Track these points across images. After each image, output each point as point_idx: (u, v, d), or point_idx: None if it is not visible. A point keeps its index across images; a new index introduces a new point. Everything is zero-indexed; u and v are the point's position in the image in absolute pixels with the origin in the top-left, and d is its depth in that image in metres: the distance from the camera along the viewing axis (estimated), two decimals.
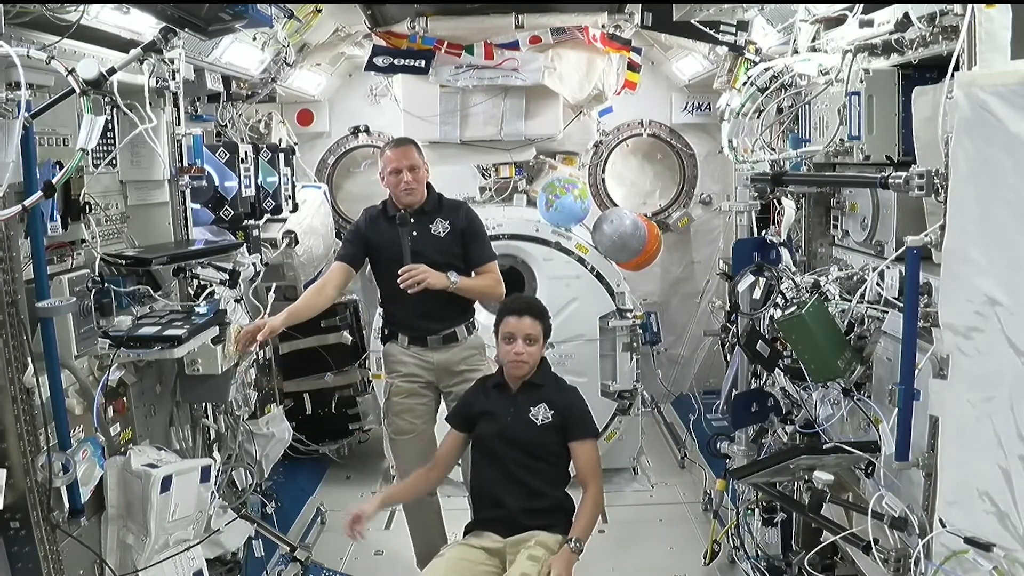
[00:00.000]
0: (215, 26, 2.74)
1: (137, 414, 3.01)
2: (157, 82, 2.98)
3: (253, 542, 3.60)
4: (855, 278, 2.78)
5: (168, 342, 2.70)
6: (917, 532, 2.22)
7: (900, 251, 2.27)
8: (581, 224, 5.05)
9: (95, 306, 2.64)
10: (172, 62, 3.03)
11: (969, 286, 1.82)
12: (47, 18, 2.33)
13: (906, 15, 2.36)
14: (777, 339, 3.01)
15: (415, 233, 3.40)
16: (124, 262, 2.90)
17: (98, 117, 2.26)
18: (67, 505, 2.43)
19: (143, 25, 2.83)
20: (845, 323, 2.68)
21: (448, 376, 3.48)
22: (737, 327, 3.47)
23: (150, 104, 2.85)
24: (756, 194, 3.49)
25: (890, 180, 2.32)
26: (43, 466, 2.33)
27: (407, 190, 3.39)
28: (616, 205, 6.15)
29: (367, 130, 6.17)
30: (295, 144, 5.40)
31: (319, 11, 4.17)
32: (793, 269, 3.19)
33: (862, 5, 2.67)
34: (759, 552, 3.55)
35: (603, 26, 4.71)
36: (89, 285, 2.60)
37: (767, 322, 3.14)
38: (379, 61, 4.70)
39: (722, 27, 3.66)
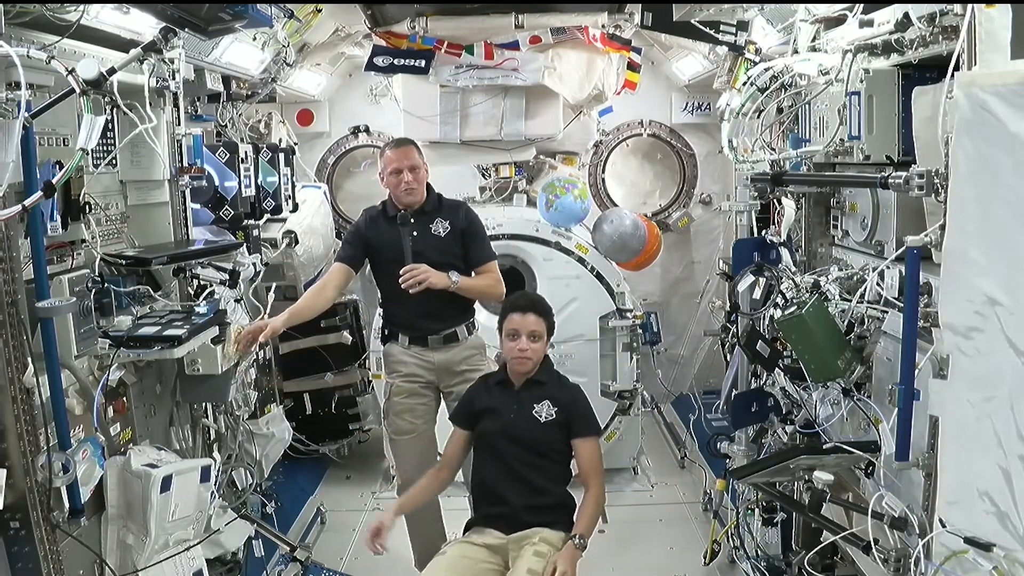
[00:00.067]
0: (215, 26, 2.74)
1: (137, 414, 3.01)
2: (157, 82, 2.98)
3: (253, 542, 3.60)
4: (855, 278, 2.78)
5: (168, 342, 2.70)
6: (917, 532, 2.22)
7: (900, 251, 2.27)
8: (581, 224, 5.05)
9: (95, 306, 2.64)
10: (172, 62, 3.03)
11: (969, 286, 1.82)
12: (47, 18, 2.33)
13: (906, 15, 2.36)
14: (777, 339, 3.01)
15: (415, 233, 3.40)
16: (124, 262, 2.90)
17: (98, 117, 2.25)
18: (67, 505, 2.43)
19: (143, 25, 2.83)
20: (845, 323, 2.68)
21: (449, 376, 3.48)
22: (737, 327, 3.47)
23: (150, 104, 2.85)
24: (756, 194, 3.49)
25: (890, 180, 2.32)
26: (43, 466, 2.33)
27: (408, 190, 3.40)
28: (616, 205, 6.15)
29: (367, 130, 6.17)
30: (295, 144, 5.40)
31: (319, 11, 4.17)
32: (793, 269, 3.19)
33: (862, 5, 2.66)
34: (759, 552, 3.55)
35: (603, 26, 4.71)
36: (89, 285, 2.60)
37: (767, 322, 3.14)
38: (379, 61, 4.70)
39: (722, 27, 3.66)
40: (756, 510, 3.58)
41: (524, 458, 2.97)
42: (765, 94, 3.27)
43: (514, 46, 4.71)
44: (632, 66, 5.22)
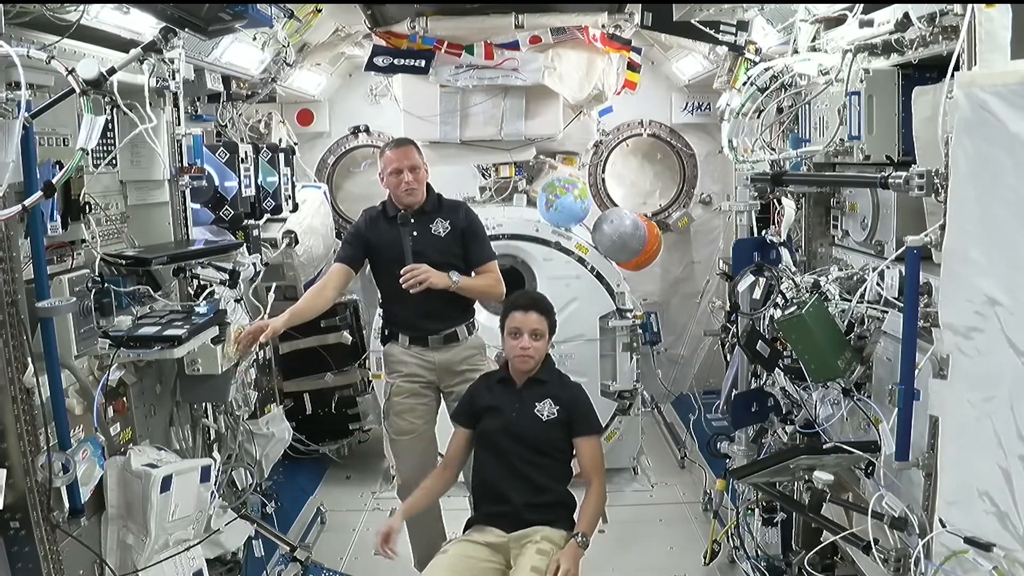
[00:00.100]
0: (215, 26, 2.74)
1: (137, 414, 3.01)
2: (157, 82, 2.98)
3: (253, 542, 3.60)
4: (855, 278, 2.78)
5: (168, 342, 2.70)
6: (917, 532, 2.22)
7: (900, 251, 2.27)
8: (581, 224, 5.05)
9: (95, 306, 2.64)
10: (172, 62, 3.03)
11: (969, 286, 1.82)
12: (47, 18, 2.33)
13: (906, 15, 2.36)
14: (777, 339, 3.01)
15: (415, 233, 3.40)
16: (124, 262, 2.90)
17: (98, 117, 2.25)
18: (67, 505, 2.43)
19: (143, 25, 2.83)
20: (845, 323, 2.68)
21: (449, 376, 3.48)
22: (737, 327, 3.47)
23: (150, 104, 2.85)
24: (756, 194, 3.49)
25: (890, 180, 2.32)
26: (43, 466, 2.33)
27: (408, 190, 3.39)
28: (616, 205, 6.15)
29: (367, 130, 6.17)
30: (295, 144, 5.40)
31: (319, 11, 4.17)
32: (793, 269, 3.19)
33: (862, 5, 2.66)
34: (759, 552, 3.55)
35: (603, 26, 4.71)
36: (89, 285, 2.60)
37: (767, 322, 3.14)
38: (379, 61, 4.70)
39: (722, 27, 3.66)
40: (756, 510, 3.58)
41: (526, 456, 2.97)
42: (765, 94, 3.27)
43: (514, 46, 4.71)
44: (632, 66, 5.22)
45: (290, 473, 4.97)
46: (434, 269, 3.29)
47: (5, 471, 2.20)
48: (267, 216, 4.32)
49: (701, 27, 3.62)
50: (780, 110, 3.42)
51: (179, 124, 3.21)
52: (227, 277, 3.23)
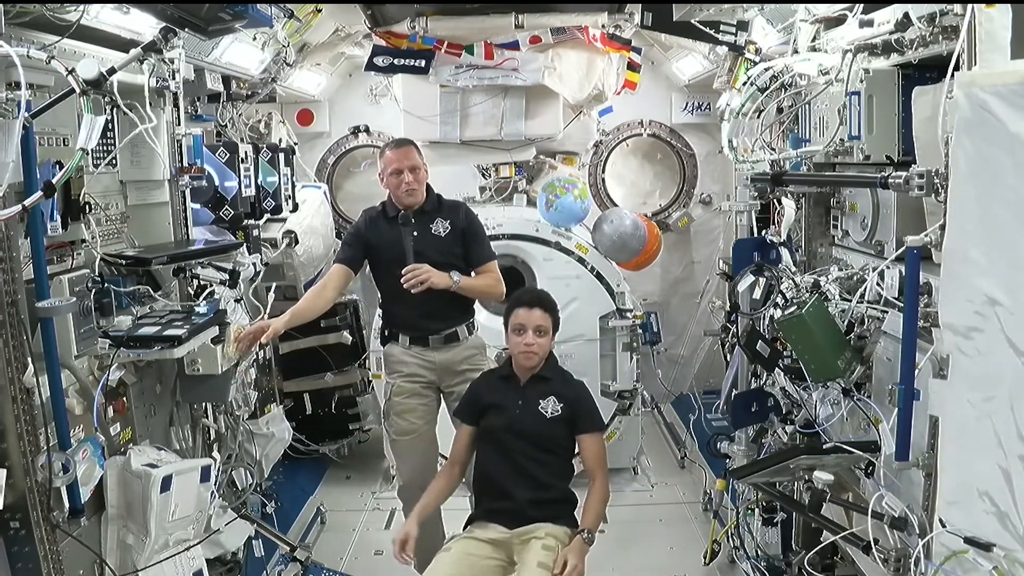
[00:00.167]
0: (215, 26, 2.74)
1: (137, 414, 3.01)
2: (157, 82, 2.98)
3: (253, 542, 3.60)
4: (855, 278, 2.78)
5: (168, 342, 2.70)
6: (917, 532, 2.22)
7: (900, 251, 2.27)
8: (581, 224, 5.05)
9: (95, 306, 2.64)
10: (172, 62, 3.03)
11: (969, 286, 1.82)
12: (47, 18, 2.33)
13: (906, 15, 2.36)
14: (777, 339, 3.01)
15: (416, 233, 3.40)
16: (124, 262, 2.90)
17: (98, 117, 2.26)
18: (67, 505, 2.43)
19: (143, 25, 2.83)
20: (845, 323, 2.68)
21: (450, 376, 3.48)
22: (737, 327, 3.47)
23: (150, 104, 2.85)
24: (756, 194, 3.49)
25: (890, 180, 2.32)
26: (43, 466, 2.33)
27: (408, 191, 3.39)
28: (616, 205, 6.15)
29: (367, 130, 6.17)
30: (295, 144, 5.40)
31: (319, 11, 4.17)
32: (793, 269, 3.19)
33: (862, 5, 2.66)
34: (759, 552, 3.55)
35: (603, 26, 4.71)
36: (89, 285, 2.60)
37: (767, 322, 3.13)
38: (379, 61, 4.70)
39: (722, 27, 3.66)
40: (756, 510, 3.58)
41: (529, 453, 2.99)
42: (765, 94, 3.27)
43: (514, 46, 4.71)
44: (632, 66, 5.22)
45: (290, 473, 4.96)
46: (435, 269, 3.30)
47: (5, 471, 2.20)
48: (267, 216, 4.32)
49: (701, 27, 3.63)
50: (780, 110, 3.42)
51: (179, 124, 3.21)
52: (227, 277, 3.23)
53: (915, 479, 2.34)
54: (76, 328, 2.49)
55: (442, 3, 4.55)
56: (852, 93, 2.73)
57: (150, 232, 3.24)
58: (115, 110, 2.80)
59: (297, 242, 4.57)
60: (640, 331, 4.86)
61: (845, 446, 2.57)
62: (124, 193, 3.17)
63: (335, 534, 4.53)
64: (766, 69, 3.22)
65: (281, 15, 3.83)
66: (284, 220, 4.59)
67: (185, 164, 3.27)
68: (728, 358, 4.00)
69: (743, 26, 3.67)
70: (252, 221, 4.07)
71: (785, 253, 3.24)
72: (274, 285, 4.50)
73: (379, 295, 3.60)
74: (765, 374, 3.31)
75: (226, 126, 4.56)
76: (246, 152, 3.99)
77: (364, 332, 5.23)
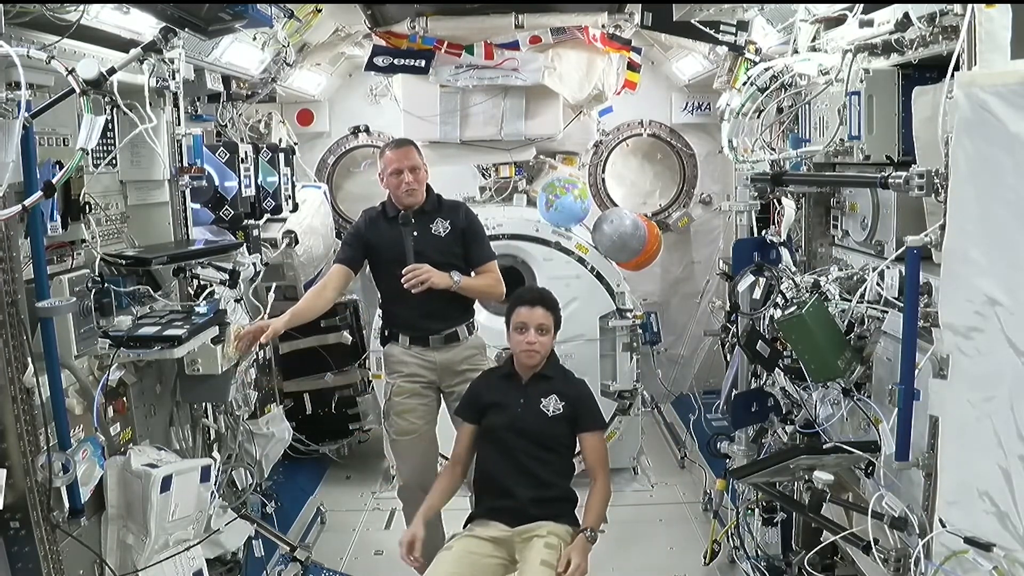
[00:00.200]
0: (215, 26, 2.74)
1: (137, 414, 3.01)
2: (157, 82, 2.98)
3: (253, 542, 3.60)
4: (855, 278, 2.78)
5: (168, 342, 2.70)
6: (917, 532, 2.22)
7: (900, 251, 2.27)
8: (581, 224, 5.05)
9: (95, 306, 2.64)
10: (172, 62, 3.03)
11: (969, 286, 1.82)
12: (47, 18, 2.33)
13: (906, 15, 2.36)
14: (777, 339, 3.01)
15: (416, 233, 3.40)
16: (124, 262, 2.90)
17: (98, 117, 2.25)
18: (67, 505, 2.43)
19: (143, 25, 2.83)
20: (845, 323, 2.67)
21: (450, 376, 3.48)
22: (737, 327, 3.47)
23: (150, 104, 2.85)
24: (756, 194, 3.49)
25: (890, 180, 2.32)
26: (43, 466, 2.33)
27: (408, 191, 3.39)
28: (616, 205, 6.15)
29: (367, 130, 6.17)
30: (295, 144, 5.40)
31: (319, 11, 4.17)
32: (793, 269, 3.19)
33: (862, 5, 2.66)
34: (759, 552, 3.55)
35: (603, 26, 4.71)
36: (89, 285, 2.60)
37: (767, 322, 3.13)
38: (379, 61, 4.70)
39: (722, 27, 3.66)
40: (756, 510, 3.58)
41: (531, 451, 2.99)
42: (765, 94, 3.27)
43: (514, 46, 4.71)
44: (632, 66, 5.22)
45: (290, 473, 4.96)
46: (435, 269, 3.30)
47: (5, 471, 2.20)
48: (267, 216, 4.32)
49: (701, 27, 3.63)
50: (780, 110, 3.42)
51: (179, 124, 3.21)
52: (227, 277, 3.23)
53: (915, 479, 2.34)
54: (76, 328, 2.49)
55: (442, 3, 4.55)
56: (852, 93, 2.73)
57: (150, 232, 3.24)
58: (115, 110, 2.80)
59: (297, 242, 4.57)
60: (640, 331, 4.86)
61: (845, 446, 2.56)
62: (124, 193, 3.17)
63: (335, 534, 4.53)
64: (766, 69, 3.22)
65: (281, 15, 3.83)
66: (284, 220, 4.59)
67: (185, 164, 3.27)
68: (728, 358, 4.00)
69: (743, 26, 3.67)
70: (252, 221, 4.07)
71: (785, 253, 3.24)
72: (274, 285, 4.50)
73: (379, 295, 3.60)
74: (765, 374, 3.31)
75: (226, 126, 4.56)
76: (246, 152, 3.99)
77: (364, 332, 5.23)
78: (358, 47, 5.19)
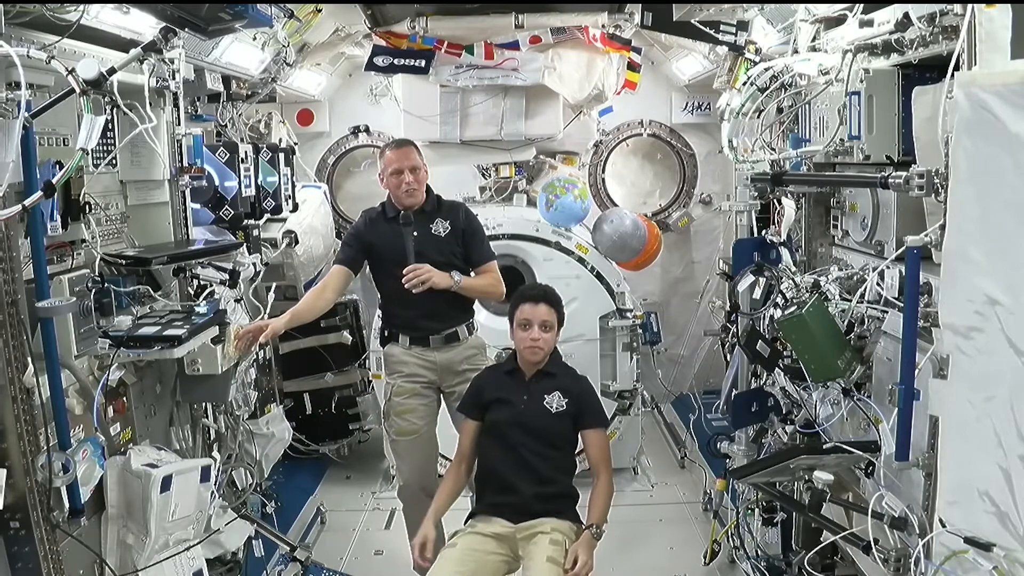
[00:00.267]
0: (215, 26, 2.74)
1: (137, 414, 3.01)
2: (157, 82, 2.98)
3: (253, 542, 3.60)
4: (855, 278, 2.78)
5: (168, 342, 2.70)
6: (917, 532, 2.22)
7: (900, 251, 2.27)
8: (581, 224, 5.05)
9: (95, 306, 2.64)
10: (172, 62, 3.03)
11: (969, 286, 1.82)
12: (47, 18, 2.33)
13: (906, 15, 2.36)
14: (777, 339, 3.01)
15: (416, 233, 3.40)
16: (124, 262, 2.90)
17: (98, 117, 2.25)
18: (67, 505, 2.43)
19: (143, 25, 2.83)
20: (845, 323, 2.68)
21: (450, 376, 3.48)
22: (737, 327, 3.47)
23: (150, 104, 2.85)
24: (756, 194, 3.49)
25: (890, 180, 2.32)
26: (43, 466, 2.33)
27: (408, 191, 3.39)
28: (616, 205, 6.15)
29: (367, 130, 6.17)
30: (295, 144, 5.39)
31: (319, 11, 4.17)
32: (793, 269, 3.19)
33: (862, 5, 2.67)
34: (759, 552, 3.55)
35: (603, 26, 4.70)
36: (89, 285, 2.60)
37: (767, 322, 3.14)
38: (379, 61, 4.70)
39: (722, 27, 3.67)
40: (756, 510, 3.58)
41: (534, 448, 3.00)
42: (765, 94, 3.27)
43: (514, 46, 4.70)
44: (632, 66, 5.21)
45: (290, 473, 4.96)
46: (435, 269, 3.30)
47: (5, 471, 2.20)
48: (267, 216, 4.32)
49: (701, 27, 3.63)
50: (780, 110, 3.42)
51: (179, 124, 3.21)
52: (227, 277, 3.23)
53: (915, 479, 2.34)
54: (76, 328, 2.49)
55: (442, 3, 4.55)
56: (852, 93, 2.73)
57: (150, 232, 3.24)
58: (115, 110, 2.80)
59: (297, 242, 4.57)
60: (640, 331, 4.86)
61: (845, 446, 2.56)
62: (124, 193, 3.17)
63: (335, 534, 4.53)
64: (766, 69, 3.22)
65: (281, 15, 3.83)
66: (284, 220, 4.58)
67: (185, 164, 3.27)
68: (728, 358, 4.01)
69: (743, 26, 3.67)
70: (252, 221, 4.07)
71: (785, 253, 3.24)
72: (274, 285, 4.50)
73: (379, 295, 3.60)
74: (765, 374, 3.31)
75: (226, 126, 4.56)
76: (246, 152, 3.99)
77: (364, 332, 5.23)
78: (358, 47, 5.19)
